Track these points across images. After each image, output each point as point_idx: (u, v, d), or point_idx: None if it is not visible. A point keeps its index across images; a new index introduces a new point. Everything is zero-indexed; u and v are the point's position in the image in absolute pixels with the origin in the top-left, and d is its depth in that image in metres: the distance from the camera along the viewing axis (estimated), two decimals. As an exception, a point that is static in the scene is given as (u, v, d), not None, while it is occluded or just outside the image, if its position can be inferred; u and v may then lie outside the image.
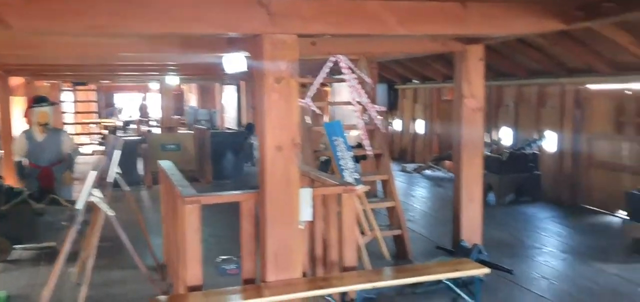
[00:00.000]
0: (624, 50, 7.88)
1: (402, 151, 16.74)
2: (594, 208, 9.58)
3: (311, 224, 4.85)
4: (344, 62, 7.07)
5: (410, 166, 14.84)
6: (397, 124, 17.25)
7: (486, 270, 4.71)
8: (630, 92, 8.81)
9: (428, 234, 8.41)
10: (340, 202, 4.72)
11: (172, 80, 15.44)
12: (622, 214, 8.58)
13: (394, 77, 16.04)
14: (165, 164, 6.22)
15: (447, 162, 13.32)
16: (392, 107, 16.59)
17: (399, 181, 13.33)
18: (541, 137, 10.81)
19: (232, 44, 5.77)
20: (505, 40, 8.90)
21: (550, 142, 10.69)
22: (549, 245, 7.77)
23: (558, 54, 9.38)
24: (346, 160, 6.59)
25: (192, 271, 4.28)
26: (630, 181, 8.62)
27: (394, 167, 14.73)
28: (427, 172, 14.14)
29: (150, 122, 21.77)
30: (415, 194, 11.95)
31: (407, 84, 16.07)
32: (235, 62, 5.97)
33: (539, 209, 10.04)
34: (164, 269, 6.24)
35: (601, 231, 8.40)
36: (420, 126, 16.01)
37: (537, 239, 8.11)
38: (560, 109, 10.31)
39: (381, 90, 15.61)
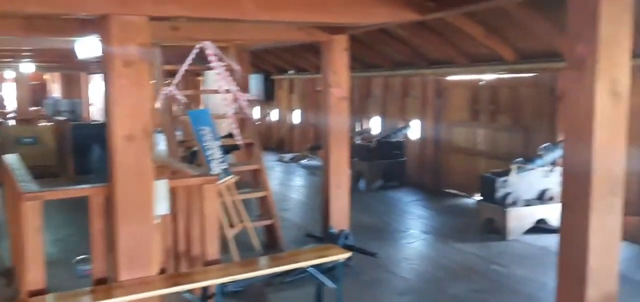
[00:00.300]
0: (477, 42, 8.45)
1: (280, 141, 16.78)
2: (454, 191, 10.24)
3: (172, 218, 4.63)
4: (210, 50, 6.84)
5: (287, 156, 14.91)
6: (274, 115, 17.23)
7: (348, 255, 4.80)
8: (483, 82, 9.50)
9: (302, 222, 8.47)
10: (201, 195, 4.54)
11: (27, 68, 14.15)
12: (478, 196, 9.24)
13: (270, 68, 15.99)
14: (10, 159, 5.62)
15: (321, 151, 13.55)
16: (269, 98, 16.54)
17: (277, 171, 13.34)
18: (406, 125, 11.34)
19: (85, 27, 5.33)
20: (370, 32, 9.16)
21: (414, 130, 11.25)
22: (413, 227, 8.16)
23: (419, 46, 9.85)
24: (214, 150, 6.39)
25: (33, 274, 3.89)
26: (485, 165, 9.31)
27: (272, 158, 14.75)
28: (304, 161, 14.28)
29: (7, 115, 19.83)
30: (292, 184, 12.02)
31: (283, 75, 16.09)
32: (88, 46, 5.55)
33: (405, 193, 10.53)
34: (11, 274, 5.65)
35: (460, 212, 8.98)
36: (296, 116, 16.13)
37: (402, 223, 8.48)
38: (423, 99, 10.88)
39: (257, 80, 15.49)
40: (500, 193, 7.35)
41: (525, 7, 6.74)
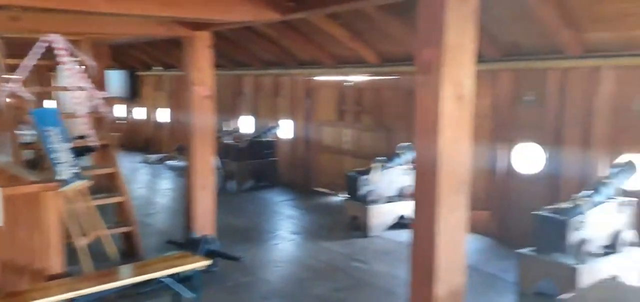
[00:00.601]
0: (342, 45, 8.64)
1: (147, 141, 16.00)
2: (323, 190, 10.40)
3: (9, 230, 4.14)
4: (60, 43, 6.27)
5: (153, 157, 14.23)
6: (139, 113, 16.39)
7: (207, 262, 4.61)
8: (349, 84, 9.74)
9: (165, 227, 8.09)
10: (40, 203, 4.11)
11: None
12: (344, 194, 9.46)
13: (135, 64, 15.18)
14: None
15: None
16: (134, 95, 15.69)
17: (142, 173, 12.68)
18: (277, 124, 11.33)
19: None
20: (238, 30, 9.00)
21: (285, 129, 11.27)
22: (282, 228, 8.13)
23: (288, 46, 9.88)
24: (61, 153, 5.85)
25: None
26: (351, 164, 9.53)
27: (137, 159, 14.00)
28: (171, 162, 13.71)
29: None
30: (157, 187, 11.48)
31: (149, 71, 15.36)
32: None
33: (276, 193, 10.50)
34: None
35: (328, 211, 9.13)
36: (164, 115, 15.47)
37: (272, 224, 8.43)
38: (293, 99, 10.93)
39: (120, 76, 14.62)
40: (363, 191, 7.56)
41: (385, 12, 6.99)
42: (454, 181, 3.48)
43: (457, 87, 3.38)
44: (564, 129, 6.47)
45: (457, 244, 3.61)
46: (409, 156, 7.79)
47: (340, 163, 10.01)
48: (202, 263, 4.48)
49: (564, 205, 5.38)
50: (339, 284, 5.83)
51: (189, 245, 6.05)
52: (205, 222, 6.40)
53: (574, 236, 5.13)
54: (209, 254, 5.84)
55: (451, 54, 3.31)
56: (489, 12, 6.24)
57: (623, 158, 5.86)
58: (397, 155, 7.94)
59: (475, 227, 7.65)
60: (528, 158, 7.10)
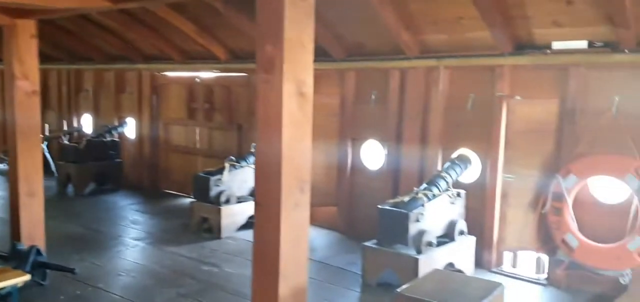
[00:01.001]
0: (191, 40, 8.31)
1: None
2: (173, 191, 9.95)
3: None
4: None
5: (-23, 160, 12.60)
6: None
7: (26, 277, 4.10)
8: (199, 80, 9.41)
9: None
10: None
11: None
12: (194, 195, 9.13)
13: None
14: None
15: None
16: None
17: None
18: (122, 123, 10.62)
19: None
20: (77, 21, 8.30)
21: (130, 128, 10.60)
22: (125, 234, 7.60)
23: (134, 39, 9.30)
24: None
25: None
26: (203, 164, 9.23)
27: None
28: (1, 166, 12.26)
29: None
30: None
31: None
32: None
33: (121, 197, 9.83)
34: None
35: (177, 213, 8.71)
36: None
37: (115, 229, 7.85)
38: (139, 95, 10.31)
39: None
40: (213, 192, 7.33)
41: (232, 7, 6.82)
42: (296, 179, 3.42)
43: (299, 85, 3.33)
44: (404, 125, 6.81)
45: (299, 243, 3.56)
46: (260, 154, 7.69)
47: (191, 163, 9.64)
48: (20, 278, 3.97)
49: (405, 198, 5.64)
50: (186, 290, 5.55)
51: (15, 257, 5.38)
52: (33, 232, 5.74)
53: (413, 228, 5.39)
54: (38, 266, 5.26)
55: (292, 50, 3.24)
56: (335, 12, 6.37)
57: (458, 152, 6.31)
58: (249, 153, 7.82)
59: (324, 223, 7.82)
60: (373, 155, 7.38)
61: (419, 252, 5.39)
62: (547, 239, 5.68)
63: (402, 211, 5.44)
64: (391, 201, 5.74)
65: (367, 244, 5.69)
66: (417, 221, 5.43)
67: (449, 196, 5.85)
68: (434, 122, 6.54)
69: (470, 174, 6.32)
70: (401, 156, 6.84)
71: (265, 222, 3.48)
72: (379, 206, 5.62)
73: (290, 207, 3.41)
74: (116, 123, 10.68)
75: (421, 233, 5.42)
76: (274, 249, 3.41)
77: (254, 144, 7.90)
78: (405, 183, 6.73)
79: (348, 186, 7.48)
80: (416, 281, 4.52)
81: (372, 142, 7.33)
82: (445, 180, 5.92)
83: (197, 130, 9.64)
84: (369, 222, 6.41)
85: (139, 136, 10.40)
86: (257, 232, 3.56)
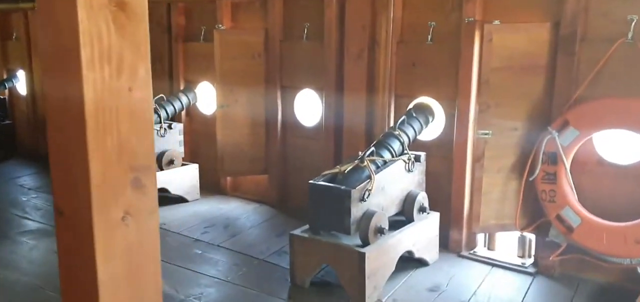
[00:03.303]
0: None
1: None
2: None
3: None
4: None
5: None
6: None
7: None
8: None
9: None
10: None
11: None
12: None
13: None
14: None
15: None
16: None
17: None
18: (11, 76, 8.67)
19: None
20: None
21: (22, 83, 8.66)
22: (28, 217, 5.84)
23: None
24: None
25: None
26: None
27: None
28: None
29: None
30: None
31: None
32: None
33: (14, 166, 8.00)
34: None
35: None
36: None
37: (7, 212, 6.07)
38: (27, 42, 8.31)
39: None
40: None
41: None
42: (122, 164, 1.83)
43: None
44: (345, 68, 5.20)
45: (139, 279, 2.00)
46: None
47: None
48: None
49: (345, 167, 4.10)
50: None
51: None
52: None
53: (358, 209, 3.87)
54: None
55: None
56: None
57: (416, 102, 4.78)
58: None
59: (251, 195, 6.27)
60: (309, 108, 5.80)
61: (365, 242, 3.89)
62: (536, 214, 4.26)
63: (341, 187, 3.90)
64: (326, 172, 4.18)
65: (296, 232, 4.14)
66: (362, 200, 3.90)
67: (405, 161, 4.33)
68: (383, 62, 4.95)
69: (432, 130, 4.82)
70: (343, 109, 5.26)
71: (72, 248, 1.90)
72: (311, 182, 4.06)
73: (113, 218, 1.83)
74: (5, 76, 8.73)
75: (368, 216, 3.90)
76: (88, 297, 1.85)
77: (160, 96, 6.21)
78: (349, 143, 5.20)
79: (279, 148, 5.89)
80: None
81: (307, 91, 5.72)
82: (399, 140, 4.39)
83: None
84: (306, 192, 4.90)
85: (31, 92, 8.47)
86: (62, 266, 1.97)
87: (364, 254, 3.78)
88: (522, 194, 4.22)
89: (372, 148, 4.23)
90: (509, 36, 4.15)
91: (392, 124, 4.93)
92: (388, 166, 4.21)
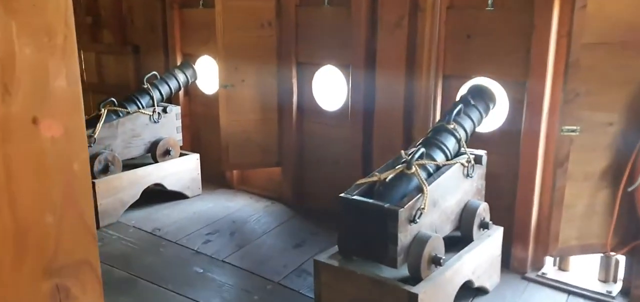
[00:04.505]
0: None
1: None
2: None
3: None
4: None
5: None
6: None
7: None
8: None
9: None
10: None
11: None
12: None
13: None
14: None
15: None
16: None
17: None
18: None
19: None
20: None
21: None
22: None
23: None
24: None
25: None
26: (93, 103, 6.49)
27: None
28: None
29: None
30: None
31: None
32: None
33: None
34: None
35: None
36: None
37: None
38: None
39: None
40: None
41: None
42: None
43: None
44: (378, 41, 4.18)
45: None
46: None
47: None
48: None
49: (385, 175, 3.12)
50: None
51: None
52: None
53: (406, 234, 2.91)
54: None
55: None
56: None
57: (472, 85, 3.77)
58: (142, 91, 5.15)
59: (262, 191, 5.35)
60: (331, 89, 4.80)
61: (416, 276, 2.95)
62: (632, 232, 3.29)
63: (384, 205, 2.93)
64: (361, 181, 3.20)
65: (322, 259, 3.19)
66: (413, 221, 2.94)
67: (463, 165, 3.35)
68: (428, 32, 3.92)
69: (490, 119, 3.82)
70: (374, 91, 4.26)
71: None
72: (341, 195, 3.08)
73: None
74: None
75: (420, 242, 2.95)
76: None
77: (153, 73, 5.24)
78: (382, 133, 4.22)
79: (295, 137, 4.92)
80: None
81: (329, 68, 4.71)
82: (455, 136, 3.40)
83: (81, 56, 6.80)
84: (327, 189, 3.98)
85: None
86: None
87: (416, 295, 2.83)
88: (617, 207, 3.23)
89: (422, 149, 3.23)
90: (605, 1, 3.10)
91: (438, 110, 3.94)
92: (442, 172, 3.24)
